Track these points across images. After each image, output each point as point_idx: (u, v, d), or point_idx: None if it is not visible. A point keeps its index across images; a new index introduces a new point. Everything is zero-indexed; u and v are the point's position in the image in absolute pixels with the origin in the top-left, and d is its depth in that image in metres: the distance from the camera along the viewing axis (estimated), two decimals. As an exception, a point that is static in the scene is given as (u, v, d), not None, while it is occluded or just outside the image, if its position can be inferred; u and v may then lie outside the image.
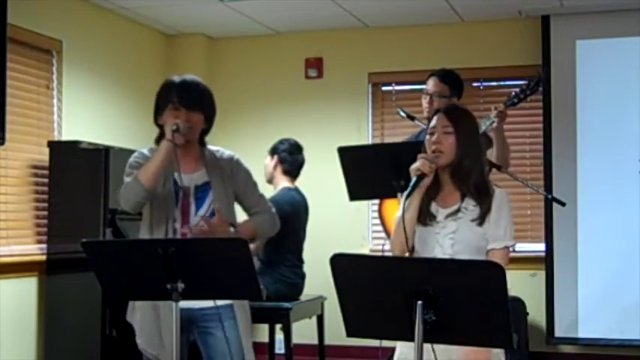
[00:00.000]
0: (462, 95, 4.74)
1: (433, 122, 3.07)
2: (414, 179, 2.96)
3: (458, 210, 3.01)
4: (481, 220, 2.99)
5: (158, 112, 3.41)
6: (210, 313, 3.32)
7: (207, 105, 3.44)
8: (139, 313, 3.37)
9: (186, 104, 3.34)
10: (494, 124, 4.30)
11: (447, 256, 2.95)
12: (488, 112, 6.44)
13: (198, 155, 3.44)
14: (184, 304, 3.16)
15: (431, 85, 4.65)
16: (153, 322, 3.32)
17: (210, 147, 3.51)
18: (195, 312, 3.32)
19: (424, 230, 3.01)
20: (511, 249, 3.04)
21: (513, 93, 4.49)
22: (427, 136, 3.07)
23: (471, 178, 3.02)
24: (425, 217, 3.02)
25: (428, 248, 2.99)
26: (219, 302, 3.29)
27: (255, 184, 3.54)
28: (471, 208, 3.01)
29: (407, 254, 3.03)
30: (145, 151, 3.45)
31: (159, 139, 3.41)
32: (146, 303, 3.32)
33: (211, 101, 3.48)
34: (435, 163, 2.98)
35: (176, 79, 3.45)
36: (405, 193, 2.98)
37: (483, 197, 3.01)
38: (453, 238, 2.98)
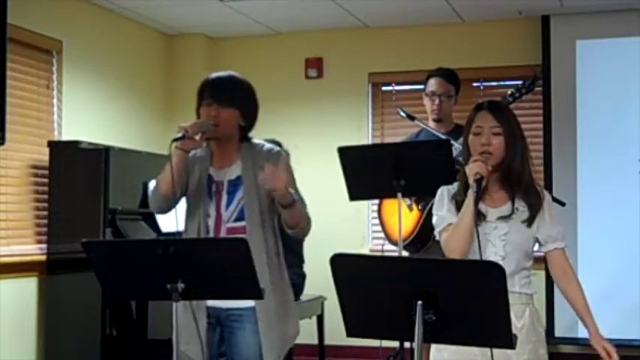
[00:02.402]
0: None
1: (478, 122, 2.99)
2: (474, 184, 2.88)
3: (511, 212, 2.96)
4: (530, 221, 2.97)
5: (198, 109, 3.40)
6: (235, 314, 3.31)
7: (241, 99, 3.37)
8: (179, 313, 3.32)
9: (218, 100, 3.32)
10: None
11: (498, 257, 2.91)
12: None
13: (235, 151, 3.39)
14: (212, 302, 3.24)
15: (437, 85, 4.64)
16: (189, 321, 3.23)
17: (255, 140, 3.44)
18: (222, 311, 3.32)
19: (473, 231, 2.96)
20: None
21: (509, 92, 4.50)
22: (471, 136, 2.99)
23: (522, 180, 2.98)
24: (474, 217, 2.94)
25: (477, 248, 2.90)
26: (243, 304, 3.27)
27: (294, 181, 3.36)
28: (521, 209, 2.98)
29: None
30: None
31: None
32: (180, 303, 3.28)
33: (247, 95, 3.41)
34: (489, 165, 2.92)
35: (212, 75, 3.44)
36: (471, 199, 2.88)
37: (533, 198, 2.98)
38: (505, 239, 2.95)
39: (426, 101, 4.71)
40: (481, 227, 2.93)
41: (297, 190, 3.35)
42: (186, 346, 3.27)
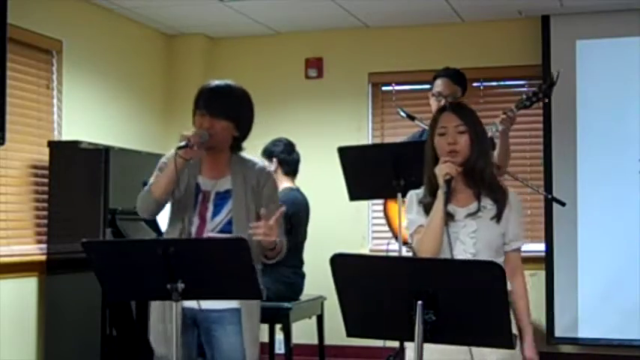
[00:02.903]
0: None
1: (442, 122, 3.03)
2: (444, 185, 2.93)
3: (478, 210, 3.01)
4: (499, 217, 3.01)
5: (193, 116, 3.40)
6: (214, 315, 3.31)
7: (236, 111, 3.36)
8: (152, 315, 3.38)
9: (210, 111, 3.31)
10: (498, 131, 4.30)
11: (469, 255, 2.95)
12: (488, 112, 6.47)
13: (226, 162, 3.40)
14: (188, 304, 3.20)
15: (443, 86, 4.62)
16: (160, 322, 3.31)
17: (245, 155, 3.45)
18: (199, 313, 3.32)
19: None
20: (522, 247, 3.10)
21: (525, 96, 4.45)
22: (436, 138, 3.03)
23: (486, 177, 3.03)
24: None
25: (447, 248, 2.96)
26: (225, 305, 3.29)
27: (276, 206, 3.35)
28: (489, 206, 3.02)
29: None
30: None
31: None
32: (156, 302, 3.33)
33: (242, 106, 3.40)
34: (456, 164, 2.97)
35: (210, 83, 3.43)
36: (441, 200, 2.93)
37: (498, 195, 3.03)
38: (474, 237, 2.99)
39: (432, 101, 4.68)
40: (450, 227, 2.98)
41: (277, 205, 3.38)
42: (162, 349, 3.29)
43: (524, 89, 6.51)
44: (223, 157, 3.39)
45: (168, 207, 3.45)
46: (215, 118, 3.31)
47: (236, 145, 3.41)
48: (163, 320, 3.31)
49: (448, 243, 2.90)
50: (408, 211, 3.11)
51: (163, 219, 5.21)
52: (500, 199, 3.02)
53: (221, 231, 3.34)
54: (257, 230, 3.13)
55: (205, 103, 3.33)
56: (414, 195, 3.11)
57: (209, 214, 3.35)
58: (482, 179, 3.02)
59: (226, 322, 3.31)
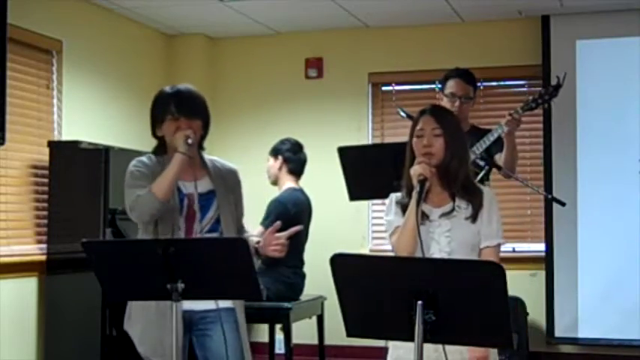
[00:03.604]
0: None
1: (420, 124, 3.11)
2: (418, 185, 2.99)
3: (452, 209, 3.06)
4: (474, 217, 3.05)
5: (156, 124, 3.42)
6: (212, 315, 3.32)
7: (204, 111, 3.43)
8: (139, 323, 3.33)
9: (186, 113, 3.34)
10: (504, 132, 4.33)
11: (444, 254, 3.00)
12: (488, 112, 6.48)
13: (199, 163, 3.44)
14: (186, 305, 3.18)
15: (457, 87, 4.61)
16: (157, 330, 3.27)
17: (206, 155, 3.51)
18: (196, 314, 3.32)
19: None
20: (501, 246, 3.11)
21: (531, 98, 4.47)
22: (414, 139, 3.11)
23: (459, 178, 3.07)
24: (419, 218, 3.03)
25: (424, 247, 2.99)
26: (220, 305, 3.30)
27: (242, 205, 3.53)
28: (463, 206, 3.07)
29: None
30: (145, 159, 3.43)
31: (157, 150, 3.46)
32: (147, 313, 3.29)
33: (206, 107, 3.47)
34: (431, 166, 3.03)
35: (168, 89, 3.46)
36: (415, 200, 2.99)
37: (473, 195, 3.08)
38: (449, 236, 3.04)
39: (445, 102, 4.67)
40: (426, 227, 3.03)
41: (243, 212, 3.52)
42: (153, 352, 3.29)
43: (525, 89, 6.52)
44: (195, 160, 3.42)
45: None
46: (190, 119, 3.35)
47: (200, 146, 3.46)
48: (160, 327, 3.24)
49: (420, 243, 2.93)
50: (386, 213, 3.18)
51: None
52: (475, 200, 3.07)
53: (209, 230, 3.36)
54: (275, 247, 3.28)
55: (177, 107, 3.35)
56: (393, 197, 3.17)
57: (197, 215, 3.36)
58: (456, 180, 3.07)
59: (224, 321, 3.32)
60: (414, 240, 2.97)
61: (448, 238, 3.03)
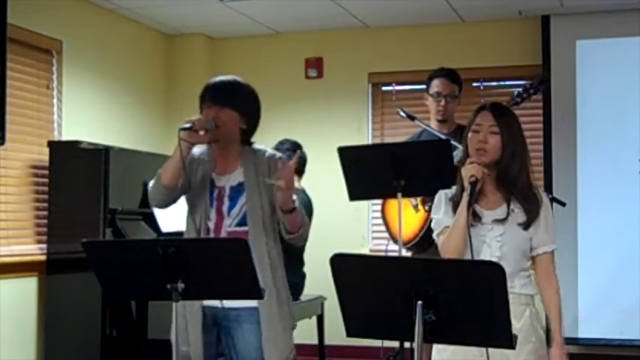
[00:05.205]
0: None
1: (478, 120, 3.01)
2: (469, 187, 2.91)
3: (507, 215, 2.98)
4: (528, 225, 2.98)
5: (200, 113, 3.42)
6: (233, 313, 3.32)
7: (241, 102, 3.39)
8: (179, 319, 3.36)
9: (216, 101, 3.34)
10: None
11: (494, 258, 2.92)
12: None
13: (237, 155, 3.41)
14: (209, 302, 3.26)
15: (442, 86, 4.64)
16: (182, 318, 3.29)
17: (257, 146, 3.47)
18: (219, 311, 3.33)
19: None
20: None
21: (516, 92, 4.49)
22: (470, 134, 3.01)
23: (519, 183, 2.99)
24: (469, 219, 2.96)
25: (474, 250, 2.94)
26: (242, 304, 3.28)
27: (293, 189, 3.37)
28: (517, 210, 2.99)
29: None
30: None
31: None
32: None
33: (248, 99, 3.43)
34: (483, 166, 2.94)
35: (213, 79, 3.46)
36: (465, 201, 2.91)
37: (531, 203, 2.99)
38: (500, 240, 2.97)
39: (430, 102, 4.70)
40: (477, 229, 2.96)
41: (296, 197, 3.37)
42: (183, 347, 3.28)
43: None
44: (233, 151, 3.40)
45: (183, 205, 3.45)
46: (220, 107, 3.33)
47: (245, 139, 3.42)
48: (184, 316, 3.30)
49: (470, 245, 2.87)
50: (435, 211, 3.09)
51: (164, 218, 5.25)
52: (532, 208, 2.98)
53: (238, 224, 3.34)
54: (279, 179, 3.16)
55: (210, 95, 3.36)
56: (443, 195, 3.09)
57: (225, 208, 3.35)
58: (516, 185, 2.99)
59: (243, 321, 3.31)
60: (463, 242, 2.91)
61: (500, 242, 2.96)
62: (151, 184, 3.42)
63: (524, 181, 3.01)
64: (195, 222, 3.36)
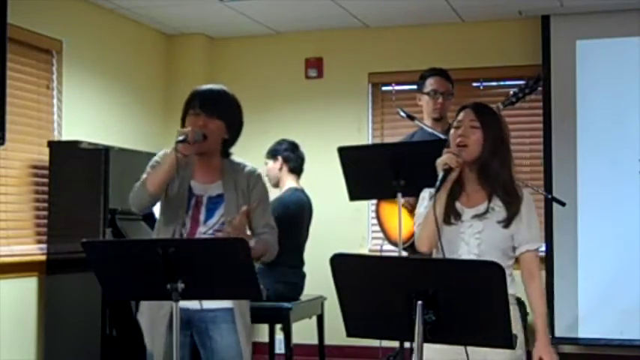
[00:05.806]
0: None
1: (460, 117, 3.04)
2: (441, 174, 2.93)
3: (486, 211, 2.99)
4: (508, 222, 2.98)
5: (183, 119, 3.43)
6: (210, 315, 3.33)
7: (229, 113, 3.42)
8: (146, 317, 3.39)
9: (206, 110, 3.35)
10: None
11: (472, 256, 2.93)
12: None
13: (218, 166, 3.44)
14: (182, 304, 3.18)
15: (438, 84, 4.66)
16: (161, 325, 3.32)
17: (235, 159, 3.50)
18: (193, 313, 3.33)
19: (448, 230, 2.99)
20: (540, 250, 3.07)
21: (512, 92, 4.50)
22: (452, 130, 3.03)
23: (500, 179, 3.00)
24: (449, 216, 2.99)
25: (452, 247, 2.96)
26: (218, 305, 3.31)
27: (268, 206, 3.50)
28: (497, 209, 2.99)
29: (434, 251, 3.00)
30: (168, 151, 3.44)
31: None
32: (151, 305, 3.34)
33: (235, 110, 3.46)
34: (460, 157, 2.95)
35: (202, 87, 3.48)
36: (435, 188, 2.93)
37: (512, 200, 2.99)
38: (479, 237, 2.97)
39: (426, 100, 4.70)
40: (457, 226, 2.98)
41: (269, 215, 3.48)
42: (153, 347, 3.30)
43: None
44: (214, 162, 3.44)
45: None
46: (209, 117, 3.35)
47: (225, 150, 3.46)
48: (157, 319, 3.32)
49: (437, 231, 2.88)
50: (418, 206, 3.12)
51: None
52: (513, 205, 2.98)
53: (213, 234, 3.37)
54: (233, 228, 3.19)
55: (201, 103, 3.37)
56: (428, 192, 3.10)
57: (202, 217, 3.38)
58: (496, 181, 2.99)
59: (220, 322, 3.33)
60: (434, 230, 2.91)
61: (478, 240, 2.96)
62: (133, 190, 3.39)
63: (506, 177, 3.01)
64: (168, 226, 3.36)
